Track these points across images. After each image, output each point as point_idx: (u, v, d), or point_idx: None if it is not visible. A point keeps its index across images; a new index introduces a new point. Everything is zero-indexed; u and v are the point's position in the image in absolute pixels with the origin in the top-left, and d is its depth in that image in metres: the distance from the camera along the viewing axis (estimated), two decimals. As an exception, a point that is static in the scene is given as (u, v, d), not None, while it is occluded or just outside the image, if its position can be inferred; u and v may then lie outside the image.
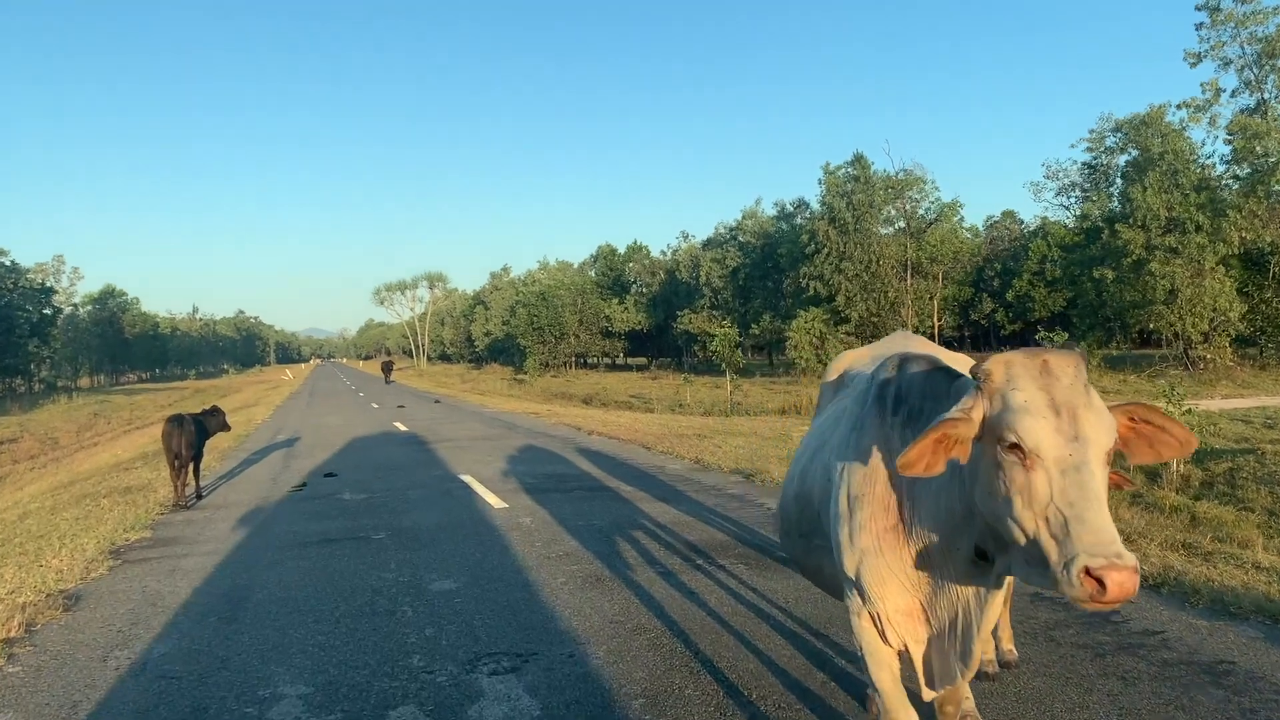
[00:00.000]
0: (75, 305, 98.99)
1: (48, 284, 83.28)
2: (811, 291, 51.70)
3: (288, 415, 31.44)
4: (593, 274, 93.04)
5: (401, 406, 32.28)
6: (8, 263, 74.40)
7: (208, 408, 12.67)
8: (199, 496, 12.03)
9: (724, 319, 64.17)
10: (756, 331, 59.12)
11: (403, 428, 22.58)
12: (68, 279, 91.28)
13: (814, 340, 50.28)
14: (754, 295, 62.97)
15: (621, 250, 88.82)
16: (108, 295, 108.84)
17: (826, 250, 50.80)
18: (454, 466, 14.11)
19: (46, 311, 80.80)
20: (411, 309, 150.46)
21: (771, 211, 64.20)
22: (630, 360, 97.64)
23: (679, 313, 68.36)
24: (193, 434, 11.46)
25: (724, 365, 31.13)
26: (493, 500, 10.55)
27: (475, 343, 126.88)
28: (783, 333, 53.90)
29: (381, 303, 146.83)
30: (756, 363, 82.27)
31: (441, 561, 7.58)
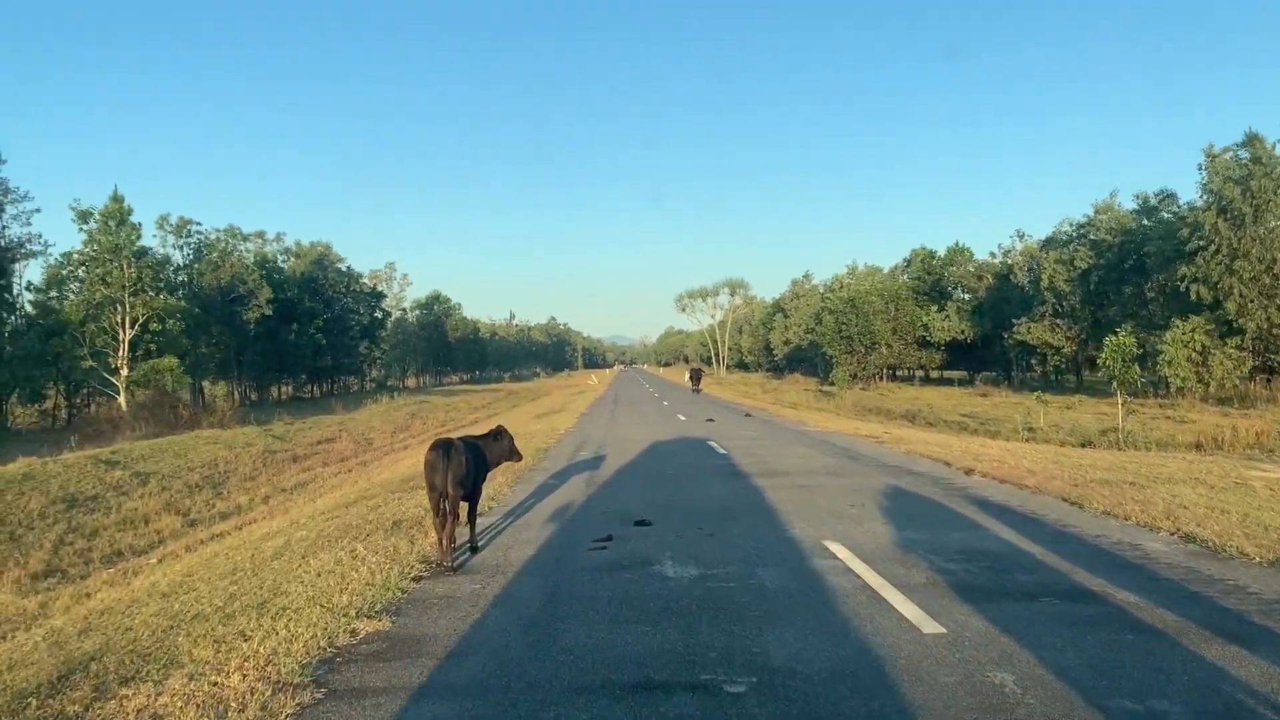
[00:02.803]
0: (404, 310, 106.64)
1: (378, 289, 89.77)
2: (1192, 296, 42.90)
3: (592, 424, 29.12)
4: (905, 279, 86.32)
5: (711, 420, 28.97)
6: (343, 268, 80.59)
7: (490, 430, 9.51)
8: (473, 549, 8.89)
9: (1071, 328, 56.01)
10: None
11: (719, 449, 18.99)
12: (398, 284, 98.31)
13: (1194, 355, 41.66)
14: (1108, 301, 54.14)
15: (941, 253, 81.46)
16: (433, 300, 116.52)
17: (1214, 247, 41.86)
18: (807, 522, 10.10)
19: (377, 315, 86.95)
20: (711, 316, 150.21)
21: (1130, 205, 55.04)
22: (946, 373, 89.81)
23: (1014, 321, 60.58)
24: (464, 465, 8.26)
25: (1115, 384, 24.95)
26: (908, 610, 6.36)
27: (774, 351, 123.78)
28: (1149, 345, 45.40)
29: (683, 309, 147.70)
30: (1101, 380, 71.97)
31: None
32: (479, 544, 9.08)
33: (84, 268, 42.02)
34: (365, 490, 17.12)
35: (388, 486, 16.71)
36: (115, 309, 41.68)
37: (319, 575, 8.36)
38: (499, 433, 9.37)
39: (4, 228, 56.26)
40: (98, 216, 41.97)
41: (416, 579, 7.92)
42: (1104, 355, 24.94)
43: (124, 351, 41.68)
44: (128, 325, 42.09)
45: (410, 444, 36.81)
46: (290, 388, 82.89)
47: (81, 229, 42.38)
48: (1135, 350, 24.84)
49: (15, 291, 43.34)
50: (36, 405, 45.08)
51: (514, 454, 9.48)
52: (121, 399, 40.43)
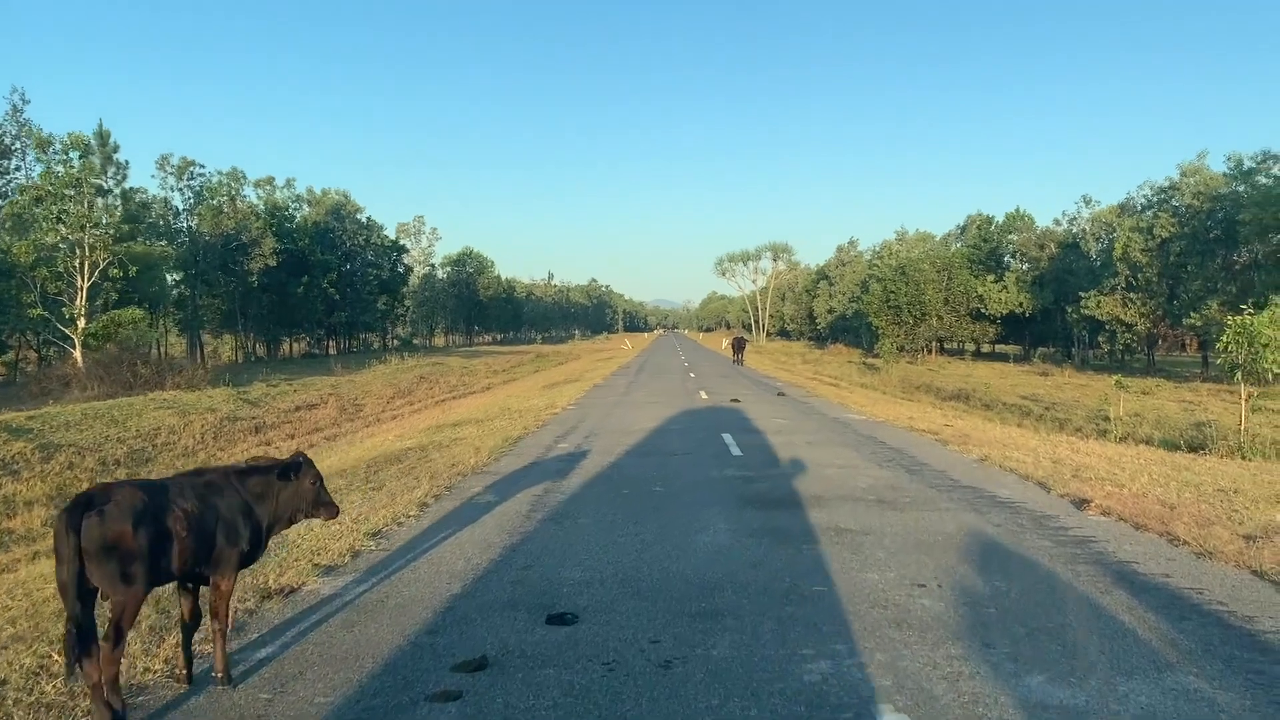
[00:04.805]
0: (434, 265, 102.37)
1: (402, 243, 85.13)
2: (1296, 271, 37.71)
3: (599, 401, 25.14)
4: (960, 246, 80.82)
5: (736, 401, 24.71)
6: (362, 219, 75.89)
7: (283, 461, 5.29)
8: (226, 679, 4.81)
9: (1145, 303, 50.79)
10: (1195, 321, 45.17)
11: (735, 450, 14.77)
12: (426, 239, 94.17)
13: (1295, 338, 36.38)
14: (1190, 275, 48.69)
15: (999, 219, 75.79)
16: (465, 257, 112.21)
17: (1328, 213, 36.56)
18: (854, 634, 5.88)
19: (399, 269, 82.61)
20: (753, 281, 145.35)
21: (1221, 168, 49.27)
22: (999, 348, 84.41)
23: (1080, 294, 55.31)
24: (126, 546, 4.15)
25: (1238, 374, 20.39)
26: None
27: (817, 320, 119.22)
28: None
29: (723, 274, 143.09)
30: (1180, 360, 66.35)
31: None
32: (233, 673, 4.94)
33: (39, 204, 38.04)
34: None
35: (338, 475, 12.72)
36: (74, 253, 37.69)
37: None
38: (291, 468, 5.14)
39: (21, 169, 53.02)
40: (59, 146, 38.18)
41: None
42: (1225, 338, 20.35)
43: (81, 300, 37.67)
44: (86, 271, 38.07)
45: (402, 413, 33.03)
46: (305, 344, 79.35)
47: (40, 159, 38.58)
48: (1273, 334, 20.11)
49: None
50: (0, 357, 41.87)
51: (320, 507, 5.28)
52: (77, 353, 36.58)
